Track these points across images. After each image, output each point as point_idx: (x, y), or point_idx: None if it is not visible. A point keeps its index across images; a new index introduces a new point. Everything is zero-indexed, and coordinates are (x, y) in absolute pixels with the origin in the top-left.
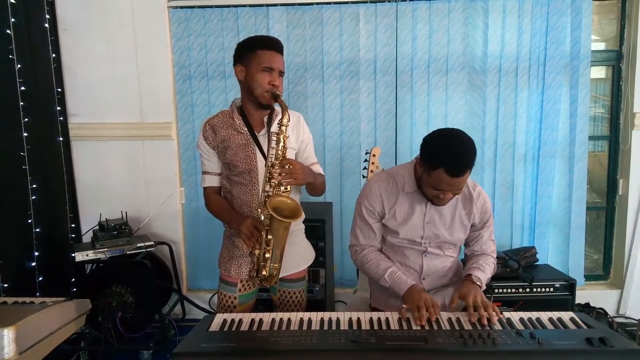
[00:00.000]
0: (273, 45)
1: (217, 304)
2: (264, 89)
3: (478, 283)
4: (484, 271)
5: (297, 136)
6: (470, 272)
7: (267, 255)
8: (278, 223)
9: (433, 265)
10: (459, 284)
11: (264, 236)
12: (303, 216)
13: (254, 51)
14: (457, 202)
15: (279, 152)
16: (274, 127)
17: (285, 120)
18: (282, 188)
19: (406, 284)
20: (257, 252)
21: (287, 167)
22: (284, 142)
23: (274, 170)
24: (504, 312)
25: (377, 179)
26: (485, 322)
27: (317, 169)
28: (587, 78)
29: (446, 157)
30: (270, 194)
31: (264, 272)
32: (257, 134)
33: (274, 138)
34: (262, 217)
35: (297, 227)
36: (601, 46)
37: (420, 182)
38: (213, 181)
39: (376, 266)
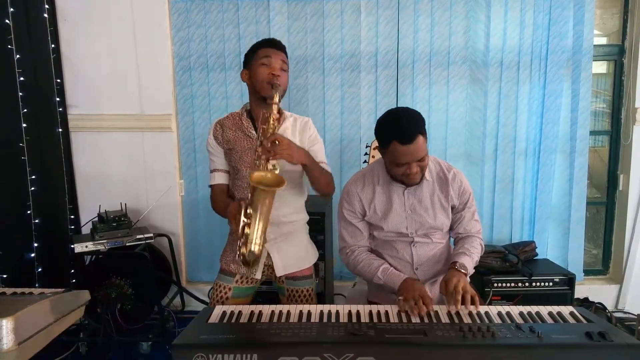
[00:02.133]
0: (272, 43)
1: (210, 296)
2: (264, 80)
3: (462, 270)
4: (470, 255)
5: (302, 137)
6: (455, 260)
7: (247, 230)
8: (259, 193)
9: (423, 254)
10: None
11: (244, 209)
12: (285, 185)
13: (255, 52)
14: (434, 186)
15: (269, 129)
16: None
17: (275, 100)
18: (270, 166)
19: (400, 278)
20: (240, 231)
21: (274, 143)
22: (272, 121)
23: (260, 147)
24: (503, 306)
25: (352, 181)
26: (459, 306)
27: (325, 167)
28: (589, 73)
29: (393, 129)
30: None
31: (243, 250)
32: None
33: (264, 117)
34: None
35: (300, 225)
36: (603, 41)
37: (389, 170)
38: (222, 178)
39: (369, 265)
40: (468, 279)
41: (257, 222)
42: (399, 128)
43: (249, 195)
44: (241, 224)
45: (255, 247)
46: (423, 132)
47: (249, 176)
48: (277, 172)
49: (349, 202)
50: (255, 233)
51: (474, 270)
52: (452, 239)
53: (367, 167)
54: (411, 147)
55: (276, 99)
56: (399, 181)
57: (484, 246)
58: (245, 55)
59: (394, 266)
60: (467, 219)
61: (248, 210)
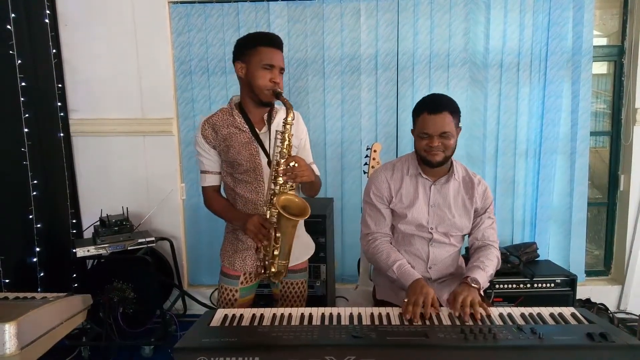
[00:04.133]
0: (274, 41)
1: (217, 299)
2: (265, 86)
3: (474, 285)
4: (484, 269)
5: (297, 134)
6: (468, 274)
7: (276, 252)
8: (286, 221)
9: (439, 254)
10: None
11: (273, 234)
12: (309, 213)
13: (255, 48)
14: (460, 187)
15: (284, 150)
16: (279, 126)
17: (289, 119)
18: (288, 186)
19: (412, 277)
20: (263, 249)
21: (292, 164)
22: (289, 141)
23: (279, 168)
24: (505, 308)
25: (382, 167)
26: (468, 318)
27: (314, 169)
28: (589, 73)
29: (425, 101)
30: (276, 192)
31: (272, 269)
32: (258, 131)
33: (279, 137)
34: (269, 215)
35: None
36: (603, 41)
37: (416, 147)
38: (213, 180)
39: (387, 257)
40: (482, 293)
41: (284, 244)
42: (429, 100)
43: (268, 212)
44: (272, 249)
45: (282, 268)
46: (453, 113)
47: (276, 201)
48: (293, 192)
49: (377, 186)
50: (282, 254)
51: (488, 284)
52: (467, 245)
53: (398, 158)
54: (437, 118)
55: (289, 118)
56: (420, 157)
57: (500, 259)
58: (242, 45)
59: (408, 262)
60: (485, 225)
61: (277, 234)
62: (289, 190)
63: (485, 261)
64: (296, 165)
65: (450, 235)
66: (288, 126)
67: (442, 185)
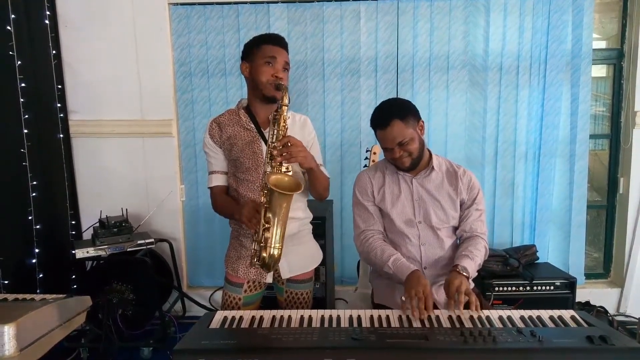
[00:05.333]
0: (276, 40)
1: (221, 305)
2: (267, 80)
3: (464, 273)
4: (473, 258)
5: (303, 134)
6: (457, 262)
7: (267, 234)
8: (277, 198)
9: (433, 254)
10: None
11: (263, 214)
12: (302, 188)
13: (259, 46)
14: (443, 179)
15: (280, 132)
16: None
17: (285, 101)
18: (284, 168)
19: (409, 269)
20: (256, 233)
21: (287, 145)
22: (284, 122)
23: (274, 150)
24: (505, 310)
25: (365, 170)
26: (461, 307)
27: (323, 170)
28: (588, 76)
29: (372, 118)
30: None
31: (263, 254)
32: (263, 130)
33: (274, 118)
34: (264, 200)
35: (305, 227)
36: (602, 44)
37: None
38: (220, 180)
39: (381, 253)
40: (471, 282)
41: (276, 226)
42: (375, 115)
43: (262, 197)
44: (261, 228)
45: (275, 251)
46: (403, 118)
47: (267, 178)
48: (290, 174)
49: (362, 185)
50: (275, 237)
51: (476, 274)
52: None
53: (379, 160)
54: (387, 131)
55: (286, 100)
56: (396, 167)
57: (488, 249)
58: (247, 46)
59: None
60: (474, 217)
61: (267, 214)
62: (284, 172)
63: (474, 251)
64: (290, 145)
65: (438, 229)
66: (284, 107)
67: (423, 179)
